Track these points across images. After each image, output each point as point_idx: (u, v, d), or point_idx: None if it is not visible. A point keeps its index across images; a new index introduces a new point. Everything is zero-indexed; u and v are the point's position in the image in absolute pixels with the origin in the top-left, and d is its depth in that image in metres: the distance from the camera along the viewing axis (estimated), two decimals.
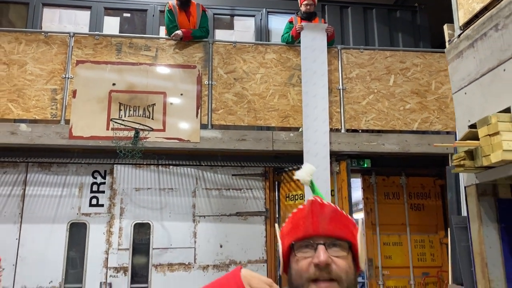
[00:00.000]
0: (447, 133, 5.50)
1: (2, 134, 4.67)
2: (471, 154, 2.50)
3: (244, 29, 6.83)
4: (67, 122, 4.80)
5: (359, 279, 7.52)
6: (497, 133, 2.26)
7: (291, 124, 5.20)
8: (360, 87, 5.40)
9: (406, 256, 6.00)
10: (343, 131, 5.21)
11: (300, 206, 1.14)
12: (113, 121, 4.53)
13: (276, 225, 1.27)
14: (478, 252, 2.52)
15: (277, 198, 5.91)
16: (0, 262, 2.79)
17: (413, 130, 5.37)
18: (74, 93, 4.85)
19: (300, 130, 5.19)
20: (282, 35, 5.60)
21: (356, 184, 6.77)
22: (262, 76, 5.30)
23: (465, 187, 2.76)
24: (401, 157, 6.03)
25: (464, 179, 2.80)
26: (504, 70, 2.38)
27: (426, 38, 6.97)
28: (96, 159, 5.53)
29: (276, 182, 5.94)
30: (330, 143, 5.05)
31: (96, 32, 5.67)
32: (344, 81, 5.39)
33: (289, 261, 1.09)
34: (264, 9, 6.86)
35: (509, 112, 2.34)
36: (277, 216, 5.85)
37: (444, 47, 3.24)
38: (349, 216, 1.13)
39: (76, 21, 6.28)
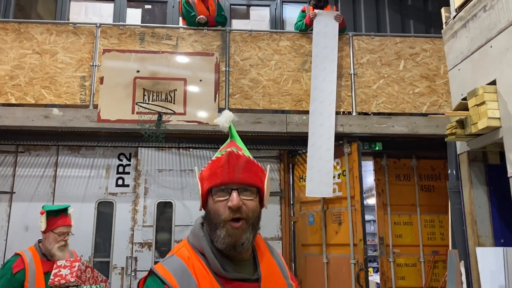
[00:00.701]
0: None
1: (37, 117, 5.07)
2: (461, 123, 2.76)
3: (259, 18, 7.10)
4: (95, 106, 5.17)
5: (374, 264, 7.46)
6: (483, 103, 2.51)
7: (304, 108, 5.47)
8: (370, 72, 5.64)
9: (416, 235, 6.22)
10: (354, 113, 5.46)
11: (219, 155, 1.36)
12: (138, 105, 4.88)
13: (196, 168, 1.52)
14: (468, 211, 2.78)
15: (291, 179, 6.21)
16: (71, 228, 3.19)
17: (422, 113, 5.58)
18: (101, 79, 5.21)
19: None
20: (296, 23, 5.86)
21: (369, 168, 6.99)
22: (276, 63, 5.58)
23: (458, 155, 3.02)
24: (412, 140, 6.25)
25: (458, 147, 3.05)
26: (491, 46, 2.62)
27: (437, 25, 7.11)
28: (122, 142, 5.92)
29: (290, 164, 6.24)
30: (342, 125, 5.31)
31: (120, 23, 6.03)
32: (355, 66, 5.63)
33: (207, 200, 1.36)
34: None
35: (495, 84, 2.59)
36: (291, 196, 6.15)
37: None
38: (259, 164, 1.39)
39: (101, 13, 6.64)
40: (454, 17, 3.08)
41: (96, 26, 5.45)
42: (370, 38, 5.77)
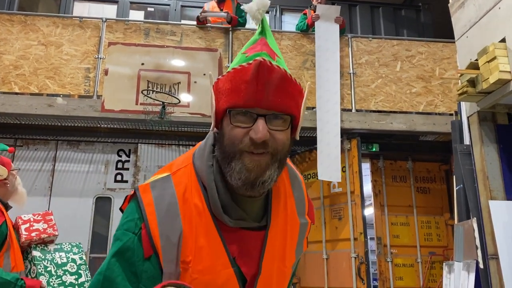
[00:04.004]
0: (450, 115, 5.86)
1: (40, 106, 5.07)
2: (472, 83, 2.89)
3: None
4: (99, 97, 5.20)
5: (373, 258, 6.97)
6: (494, 58, 2.66)
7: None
8: (369, 72, 5.81)
9: (413, 236, 6.27)
10: (353, 110, 5.58)
11: (243, 62, 0.97)
12: (143, 93, 4.93)
13: (210, 73, 1.13)
14: (480, 168, 2.87)
15: None
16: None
17: (419, 111, 5.74)
18: (106, 71, 5.26)
19: (314, 109, 5.57)
20: (297, 24, 6.05)
21: (366, 172, 7.01)
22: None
23: (467, 117, 3.14)
24: (408, 142, 6.40)
25: (467, 109, 3.18)
26: (499, 8, 2.79)
27: (429, 35, 7.40)
28: (122, 138, 5.94)
29: None
30: (342, 121, 5.42)
31: (126, 18, 6.14)
32: (354, 66, 5.80)
33: (222, 120, 1.00)
34: (277, 6, 7.35)
35: (504, 42, 2.75)
36: None
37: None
38: (296, 82, 0.99)
39: (104, 14, 6.73)
40: None
41: (102, 21, 5.54)
42: (368, 40, 5.97)
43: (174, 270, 0.97)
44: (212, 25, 5.76)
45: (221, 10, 5.83)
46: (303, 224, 1.14)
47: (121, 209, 1.06)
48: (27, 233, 2.92)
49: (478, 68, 2.83)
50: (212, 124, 1.03)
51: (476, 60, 2.89)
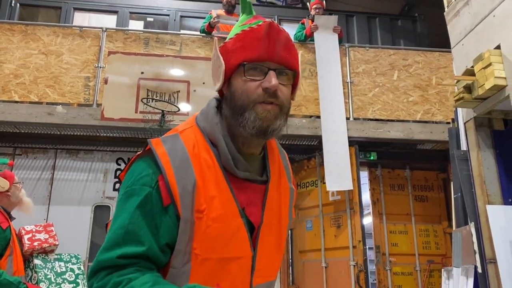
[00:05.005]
0: (447, 123, 5.91)
1: (40, 114, 5.10)
2: (469, 89, 2.94)
3: None
4: (99, 106, 5.23)
5: (372, 268, 7.03)
6: (489, 65, 2.71)
7: (303, 112, 5.63)
8: (366, 81, 5.87)
9: (411, 244, 6.28)
10: (351, 119, 5.63)
11: (254, 25, 1.09)
12: (143, 102, 4.96)
13: (216, 39, 1.32)
14: (477, 174, 2.91)
15: None
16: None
17: (417, 120, 5.79)
18: (105, 80, 5.30)
19: (312, 117, 5.62)
20: (295, 34, 6.11)
21: (364, 181, 7.04)
22: None
23: (464, 123, 3.19)
24: (406, 151, 6.44)
25: (464, 116, 3.23)
26: (494, 16, 2.86)
27: (425, 45, 7.49)
28: (121, 147, 5.96)
29: None
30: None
31: (126, 28, 6.20)
32: (351, 75, 5.86)
33: (231, 80, 1.10)
34: (275, 16, 7.43)
35: (499, 48, 2.80)
36: None
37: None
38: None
39: (104, 24, 6.80)
40: None
41: (102, 30, 5.60)
42: (365, 49, 6.04)
43: (190, 217, 1.02)
44: (211, 35, 5.82)
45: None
46: (291, 189, 1.26)
47: (119, 178, 1.10)
48: (29, 242, 3.02)
49: (474, 75, 2.89)
50: (220, 83, 1.11)
51: (472, 67, 2.95)
